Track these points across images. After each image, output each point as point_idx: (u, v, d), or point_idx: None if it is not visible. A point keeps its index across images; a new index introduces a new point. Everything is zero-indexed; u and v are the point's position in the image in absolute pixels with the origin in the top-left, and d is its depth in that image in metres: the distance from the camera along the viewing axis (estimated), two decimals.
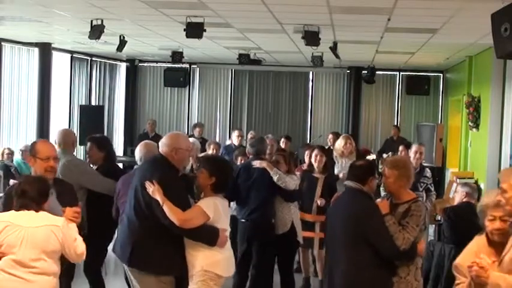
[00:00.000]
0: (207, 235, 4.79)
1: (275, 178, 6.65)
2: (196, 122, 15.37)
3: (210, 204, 4.82)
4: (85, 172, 6.20)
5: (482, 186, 10.43)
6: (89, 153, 6.54)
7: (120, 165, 15.32)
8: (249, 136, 11.68)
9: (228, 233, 4.96)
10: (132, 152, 14.50)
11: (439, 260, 7.05)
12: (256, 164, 6.77)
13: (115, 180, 6.06)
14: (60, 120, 14.02)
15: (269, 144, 8.40)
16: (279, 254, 6.96)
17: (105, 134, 15.00)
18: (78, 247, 4.31)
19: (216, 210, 4.83)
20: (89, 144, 6.54)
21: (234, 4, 7.82)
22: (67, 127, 14.01)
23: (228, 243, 5.00)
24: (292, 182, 6.76)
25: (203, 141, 11.00)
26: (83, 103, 14.82)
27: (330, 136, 11.70)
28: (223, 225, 4.89)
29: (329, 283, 4.89)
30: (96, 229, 5.58)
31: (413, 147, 8.45)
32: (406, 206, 4.74)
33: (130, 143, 16.25)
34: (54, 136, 6.91)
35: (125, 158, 15.13)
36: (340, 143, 9.27)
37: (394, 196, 4.87)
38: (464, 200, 7.16)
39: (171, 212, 4.67)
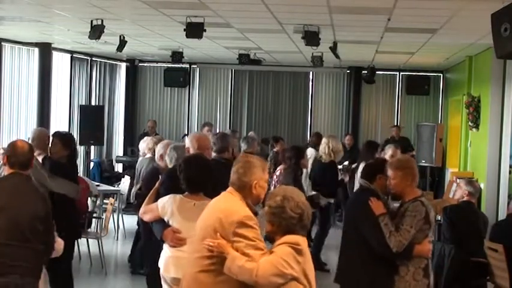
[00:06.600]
0: (155, 229, 4.90)
1: None
2: (204, 121, 15.21)
3: (164, 201, 4.78)
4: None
5: (482, 186, 10.42)
6: (52, 149, 6.26)
7: (120, 165, 15.41)
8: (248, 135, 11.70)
9: (185, 235, 4.59)
10: (132, 152, 14.73)
11: (439, 260, 7.02)
12: None
13: (70, 179, 6.06)
14: (60, 120, 14.02)
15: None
16: None
17: (105, 134, 15.00)
18: None
19: (168, 207, 4.72)
20: (53, 140, 6.28)
21: (234, 4, 7.83)
22: (67, 127, 14.05)
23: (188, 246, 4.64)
24: None
25: None
26: (83, 103, 14.80)
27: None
28: (176, 224, 4.68)
29: (337, 275, 5.12)
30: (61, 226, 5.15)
31: (389, 151, 8.22)
32: (406, 206, 4.76)
33: (130, 143, 16.24)
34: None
35: (125, 158, 15.14)
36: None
37: (401, 197, 4.90)
38: (465, 198, 7.15)
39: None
